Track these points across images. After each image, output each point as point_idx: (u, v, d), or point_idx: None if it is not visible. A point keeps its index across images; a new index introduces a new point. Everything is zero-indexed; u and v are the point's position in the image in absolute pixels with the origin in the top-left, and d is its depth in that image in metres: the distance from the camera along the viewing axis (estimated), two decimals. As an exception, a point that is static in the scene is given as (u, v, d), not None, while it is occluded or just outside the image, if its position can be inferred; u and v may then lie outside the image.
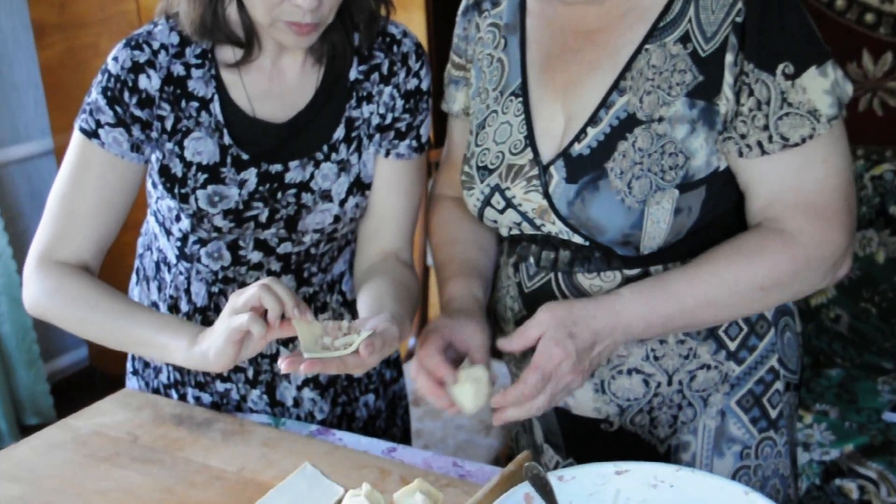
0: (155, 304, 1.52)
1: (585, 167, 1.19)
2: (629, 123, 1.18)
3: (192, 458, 1.30)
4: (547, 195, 1.21)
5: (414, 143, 1.43)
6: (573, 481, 1.02)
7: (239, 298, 1.17)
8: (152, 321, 1.30)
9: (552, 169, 1.21)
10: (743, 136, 1.16)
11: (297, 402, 1.51)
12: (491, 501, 1.05)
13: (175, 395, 1.53)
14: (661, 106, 1.16)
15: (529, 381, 1.13)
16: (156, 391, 1.56)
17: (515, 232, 1.29)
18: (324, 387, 1.53)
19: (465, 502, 1.13)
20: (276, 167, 1.37)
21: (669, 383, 1.25)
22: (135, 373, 1.60)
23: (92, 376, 3.71)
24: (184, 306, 1.48)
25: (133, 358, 1.60)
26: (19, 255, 3.26)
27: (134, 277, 1.60)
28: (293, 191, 1.38)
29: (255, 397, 1.50)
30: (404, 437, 1.68)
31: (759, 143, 1.15)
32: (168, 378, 1.54)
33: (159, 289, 1.52)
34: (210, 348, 1.19)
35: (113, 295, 1.34)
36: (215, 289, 1.46)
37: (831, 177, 1.16)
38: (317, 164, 1.38)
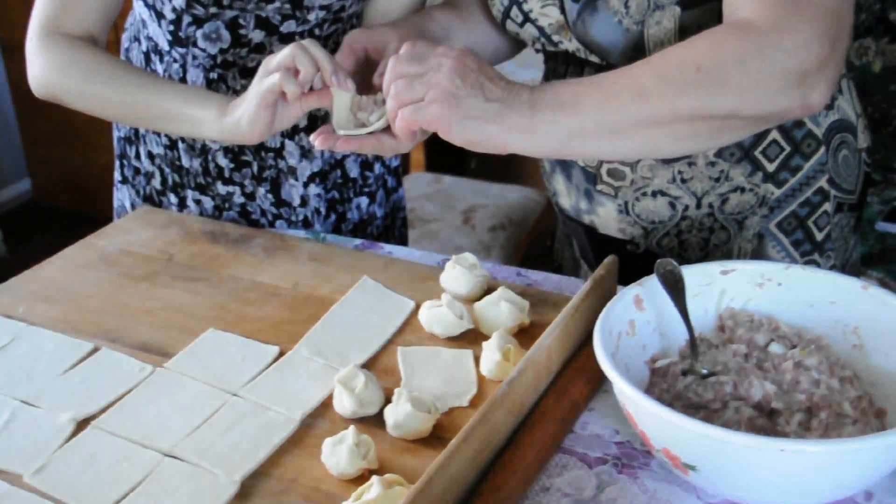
0: None
1: None
2: None
3: (238, 276, 1.23)
4: (563, 10, 1.12)
5: None
6: (678, 282, 0.98)
7: (272, 60, 1.10)
8: (178, 93, 1.21)
9: None
10: None
11: (304, 201, 1.43)
12: (590, 307, 1.01)
13: (174, 200, 1.43)
14: None
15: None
16: (148, 198, 1.46)
17: (538, 47, 1.21)
18: (326, 180, 1.45)
19: (556, 310, 1.10)
20: None
21: (698, 206, 1.18)
22: (124, 181, 1.50)
23: (37, 209, 3.55)
24: None
25: (122, 166, 1.49)
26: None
27: None
28: None
29: (261, 196, 1.42)
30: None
31: None
32: (162, 183, 1.44)
33: None
34: (242, 116, 1.12)
35: (131, 67, 1.26)
36: (214, 75, 1.35)
37: None
38: None
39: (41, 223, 3.43)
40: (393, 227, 1.57)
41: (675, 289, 0.93)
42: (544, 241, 2.39)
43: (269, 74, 1.09)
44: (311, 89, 1.12)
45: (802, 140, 1.16)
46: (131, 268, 1.25)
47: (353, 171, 1.46)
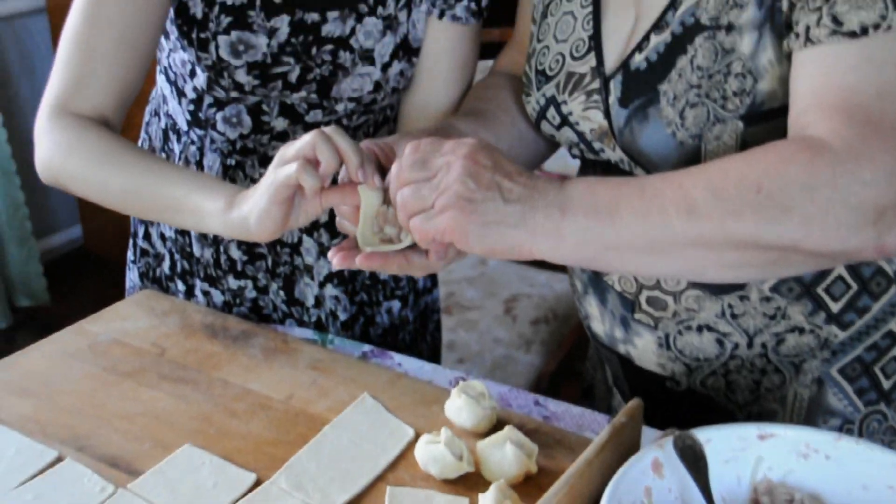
0: None
1: (639, 87, 0.97)
2: (692, 31, 0.94)
3: (230, 380, 1.12)
4: (608, 115, 1.01)
5: (472, 6, 1.21)
6: (708, 445, 0.85)
7: (290, 148, 0.96)
8: (185, 179, 1.08)
9: (612, 84, 1.00)
10: (790, 27, 0.87)
11: (318, 302, 1.33)
12: (607, 461, 0.88)
13: (181, 287, 1.34)
14: (732, 8, 0.91)
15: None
16: (156, 281, 1.37)
17: (576, 153, 1.09)
18: (347, 281, 1.34)
19: (572, 456, 0.97)
20: (313, 16, 1.16)
21: (750, 346, 1.04)
22: (135, 262, 1.41)
23: (86, 258, 3.52)
24: None
25: (134, 245, 1.40)
26: (10, 122, 3.02)
27: None
28: (330, 47, 1.17)
29: (273, 291, 1.31)
30: (433, 356, 1.50)
31: (807, 29, 0.85)
32: (171, 268, 1.34)
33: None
34: (252, 210, 0.98)
35: (140, 151, 1.14)
36: (231, 161, 1.25)
37: None
38: (359, 18, 1.17)
39: (89, 272, 3.40)
40: (424, 332, 1.46)
41: (696, 467, 0.80)
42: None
43: (286, 164, 0.96)
44: (335, 182, 1.00)
45: (871, 278, 1.02)
46: (119, 361, 1.16)
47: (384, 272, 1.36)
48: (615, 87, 1.00)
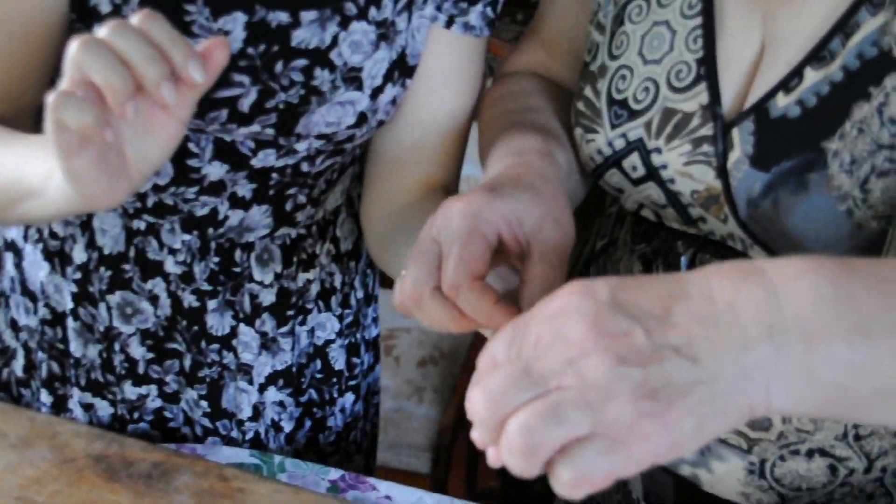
0: (16, 250, 0.92)
1: (790, 143, 0.71)
2: (879, 67, 0.69)
3: (158, 553, 0.76)
4: (724, 173, 0.74)
5: (489, 12, 0.87)
6: None
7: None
8: (24, 141, 0.71)
9: (735, 133, 0.74)
10: None
11: (256, 412, 0.97)
12: None
13: (47, 398, 0.94)
14: None
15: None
16: (2, 388, 0.97)
17: (650, 216, 0.82)
18: (294, 378, 0.99)
19: None
20: (280, 17, 0.79)
21: (868, 470, 0.81)
22: None
23: None
24: (77, 255, 0.88)
25: None
26: None
27: None
28: (303, 62, 0.80)
29: (190, 401, 0.95)
30: (370, 450, 1.16)
31: None
32: (27, 369, 0.95)
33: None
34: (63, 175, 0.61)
35: None
36: (140, 224, 0.88)
37: None
38: (344, 22, 0.81)
39: None
40: (365, 418, 1.12)
41: None
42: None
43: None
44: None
45: None
46: (-26, 536, 0.77)
47: (339, 361, 1.01)
48: (742, 139, 0.72)
